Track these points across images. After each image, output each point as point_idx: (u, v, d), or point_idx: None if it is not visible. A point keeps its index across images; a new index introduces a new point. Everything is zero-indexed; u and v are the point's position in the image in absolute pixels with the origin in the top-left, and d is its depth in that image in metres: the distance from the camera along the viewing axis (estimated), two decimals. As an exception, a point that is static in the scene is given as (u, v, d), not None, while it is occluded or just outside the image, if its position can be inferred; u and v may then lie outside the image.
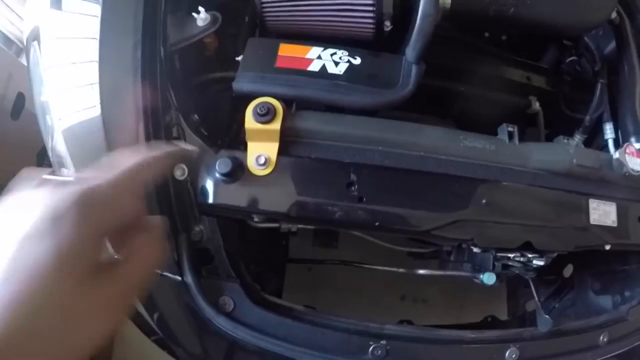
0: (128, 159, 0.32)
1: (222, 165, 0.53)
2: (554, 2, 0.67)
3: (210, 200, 0.54)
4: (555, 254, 0.62)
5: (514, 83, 0.83)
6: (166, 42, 0.61)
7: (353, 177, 0.54)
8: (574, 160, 0.62)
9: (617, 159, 0.64)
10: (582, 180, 0.63)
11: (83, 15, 0.62)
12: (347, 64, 0.60)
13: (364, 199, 0.54)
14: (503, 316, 0.92)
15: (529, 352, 0.61)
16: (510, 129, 0.61)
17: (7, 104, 0.98)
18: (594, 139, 0.79)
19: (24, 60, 1.10)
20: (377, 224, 0.55)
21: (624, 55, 0.76)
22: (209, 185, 0.54)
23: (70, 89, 0.60)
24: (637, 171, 0.63)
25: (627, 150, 0.65)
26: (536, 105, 0.79)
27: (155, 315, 0.62)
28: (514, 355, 0.60)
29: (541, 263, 0.61)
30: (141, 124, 0.56)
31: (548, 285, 0.91)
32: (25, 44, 0.75)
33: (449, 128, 0.61)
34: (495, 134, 0.64)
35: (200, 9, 0.61)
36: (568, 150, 0.63)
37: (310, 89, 0.56)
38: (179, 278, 0.57)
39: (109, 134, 0.57)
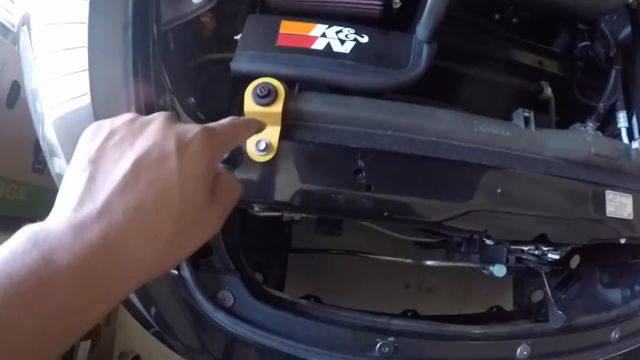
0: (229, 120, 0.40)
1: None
2: (571, -18, 0.64)
3: (208, 188, 0.50)
4: (570, 247, 0.59)
5: (526, 67, 0.80)
6: (159, 21, 0.57)
7: (360, 163, 0.51)
8: (592, 149, 0.58)
9: (636, 149, 0.60)
10: (599, 171, 0.60)
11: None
12: (354, 43, 0.56)
13: (372, 187, 0.51)
14: (508, 306, 0.90)
15: (540, 349, 0.58)
16: (526, 114, 0.58)
17: (1, 93, 0.95)
18: (606, 127, 0.76)
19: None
20: (385, 214, 0.51)
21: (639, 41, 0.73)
22: (206, 172, 0.50)
23: (60, 76, 0.56)
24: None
25: (647, 139, 0.62)
26: (548, 91, 0.75)
27: (153, 310, 0.59)
28: (525, 352, 0.58)
29: (556, 256, 0.58)
30: (133, 108, 0.52)
31: (554, 275, 0.89)
32: (15, 30, 0.71)
33: (461, 112, 0.57)
34: (504, 119, 0.61)
35: (196, -16, 0.57)
36: (586, 139, 0.60)
37: (314, 68, 0.52)
38: (176, 272, 0.54)
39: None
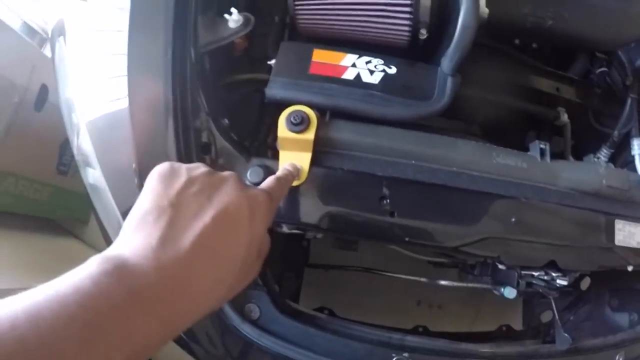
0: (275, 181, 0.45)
1: (253, 174, 0.53)
2: (591, 17, 0.66)
3: (240, 208, 0.53)
4: (578, 274, 0.62)
5: (543, 93, 0.82)
6: (197, 43, 0.59)
7: (385, 191, 0.54)
8: (604, 181, 0.61)
9: (647, 181, 0.63)
10: (609, 201, 0.62)
11: (111, 9, 0.60)
12: (382, 73, 0.58)
13: (395, 214, 0.54)
14: (518, 326, 0.93)
15: (547, 369, 0.61)
16: (542, 146, 0.61)
17: (30, 96, 0.98)
18: (620, 154, 0.79)
19: (47, 52, 1.08)
20: (407, 239, 0.55)
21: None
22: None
23: (98, 89, 0.59)
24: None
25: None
26: (564, 117, 0.78)
27: None
28: (532, 372, 0.61)
29: (564, 282, 0.61)
30: (171, 127, 0.55)
31: (564, 296, 0.91)
32: (50, 37, 0.74)
33: (481, 142, 0.60)
34: (521, 142, 0.63)
35: (233, 10, 0.60)
36: (598, 171, 0.62)
37: (345, 98, 0.55)
38: (205, 283, 0.57)
39: (138, 138, 0.56)
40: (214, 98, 0.59)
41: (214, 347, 0.62)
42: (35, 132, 0.98)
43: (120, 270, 0.29)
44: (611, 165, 0.69)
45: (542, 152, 0.61)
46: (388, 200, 0.54)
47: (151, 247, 0.31)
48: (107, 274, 0.28)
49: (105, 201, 0.58)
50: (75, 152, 0.65)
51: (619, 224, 0.63)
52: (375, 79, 0.59)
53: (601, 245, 0.62)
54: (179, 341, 0.69)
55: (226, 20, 0.61)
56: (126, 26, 0.57)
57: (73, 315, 0.25)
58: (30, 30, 1.12)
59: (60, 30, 0.68)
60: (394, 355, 0.58)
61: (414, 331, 0.84)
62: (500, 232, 0.58)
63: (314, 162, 0.53)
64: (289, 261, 0.87)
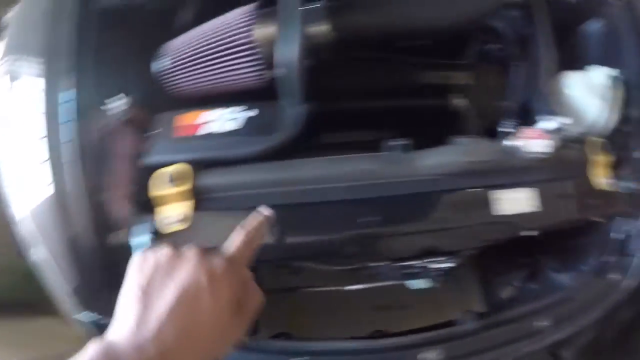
0: (240, 236, 0.50)
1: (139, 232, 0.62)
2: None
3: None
4: (465, 255, 0.64)
5: (433, 86, 0.86)
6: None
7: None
8: (465, 158, 0.64)
9: (510, 146, 0.65)
10: (479, 175, 0.65)
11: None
12: (246, 118, 0.67)
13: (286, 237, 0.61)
14: (481, 308, 0.92)
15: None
16: (392, 143, 0.65)
17: None
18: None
19: None
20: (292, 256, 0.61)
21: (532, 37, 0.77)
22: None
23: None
24: (532, 153, 0.64)
25: (521, 135, 0.66)
26: (457, 102, 0.81)
27: None
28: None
29: (452, 264, 0.64)
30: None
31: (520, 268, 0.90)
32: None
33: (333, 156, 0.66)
34: (438, 140, 0.67)
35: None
36: (458, 150, 0.65)
37: (200, 150, 0.65)
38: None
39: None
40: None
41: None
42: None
43: (109, 353, 0.38)
44: (481, 140, 0.70)
45: (402, 148, 0.65)
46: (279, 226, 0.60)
47: (130, 329, 0.40)
48: (98, 356, 0.37)
49: (52, 275, 0.67)
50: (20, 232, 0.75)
51: (494, 194, 0.64)
52: (239, 124, 0.67)
53: (482, 221, 0.64)
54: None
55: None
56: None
57: None
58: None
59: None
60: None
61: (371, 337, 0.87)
62: (370, 232, 0.62)
63: (197, 208, 0.62)
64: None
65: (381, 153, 0.65)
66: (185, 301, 0.42)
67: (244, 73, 0.71)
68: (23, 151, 0.66)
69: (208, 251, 0.47)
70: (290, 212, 0.62)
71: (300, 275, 0.93)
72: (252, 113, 0.68)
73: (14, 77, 0.70)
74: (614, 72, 0.74)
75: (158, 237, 0.62)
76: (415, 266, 0.64)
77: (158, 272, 0.44)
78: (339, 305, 0.92)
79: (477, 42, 0.91)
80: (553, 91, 0.74)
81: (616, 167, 0.71)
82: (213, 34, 0.70)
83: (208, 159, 0.65)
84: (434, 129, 0.87)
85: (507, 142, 0.66)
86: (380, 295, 0.97)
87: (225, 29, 0.69)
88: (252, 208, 0.56)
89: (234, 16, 0.70)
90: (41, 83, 0.66)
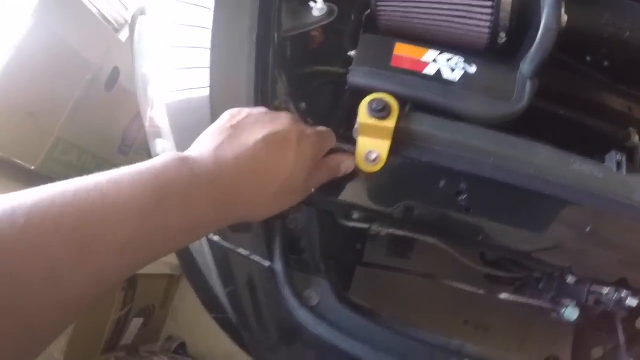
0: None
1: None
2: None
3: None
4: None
5: (614, 112, 0.81)
6: (280, 29, 0.61)
7: (462, 186, 0.53)
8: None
9: None
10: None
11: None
12: (463, 72, 0.58)
13: (471, 210, 0.53)
14: (565, 358, 0.88)
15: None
16: (619, 157, 0.59)
17: (102, 76, 1.03)
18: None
19: (121, 37, 1.13)
20: (480, 237, 0.53)
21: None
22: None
23: (180, 68, 0.60)
24: None
25: None
26: (635, 139, 0.76)
27: (229, 290, 0.61)
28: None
29: (634, 304, 0.59)
30: (251, 103, 0.56)
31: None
32: (131, 18, 0.76)
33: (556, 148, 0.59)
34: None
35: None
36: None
37: (426, 91, 0.55)
38: (268, 263, 0.56)
39: (216, 114, 0.56)
40: (293, 83, 0.60)
41: (264, 332, 0.61)
42: (103, 111, 1.02)
43: (185, 159, 0.37)
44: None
45: (619, 164, 0.60)
46: (465, 196, 0.53)
47: (212, 148, 0.40)
48: (174, 160, 0.36)
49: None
50: (147, 124, 0.66)
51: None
52: (456, 76, 0.59)
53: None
54: (222, 322, 0.68)
55: (310, 9, 0.62)
56: (212, 5, 0.59)
57: (146, 183, 0.33)
58: (105, 19, 1.17)
59: (141, 11, 0.70)
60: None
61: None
62: (574, 242, 0.56)
63: (392, 151, 0.53)
64: (341, 262, 0.85)
65: (605, 164, 0.59)
66: (273, 144, 0.42)
67: (471, 28, 0.62)
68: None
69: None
70: (500, 192, 0.54)
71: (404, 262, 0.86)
72: (471, 69, 0.60)
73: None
74: None
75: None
76: (603, 294, 0.58)
77: (250, 119, 0.44)
78: (428, 306, 0.86)
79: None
80: None
81: None
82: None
83: (430, 103, 0.55)
84: (592, 149, 0.83)
85: None
86: (469, 310, 0.91)
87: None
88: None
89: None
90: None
